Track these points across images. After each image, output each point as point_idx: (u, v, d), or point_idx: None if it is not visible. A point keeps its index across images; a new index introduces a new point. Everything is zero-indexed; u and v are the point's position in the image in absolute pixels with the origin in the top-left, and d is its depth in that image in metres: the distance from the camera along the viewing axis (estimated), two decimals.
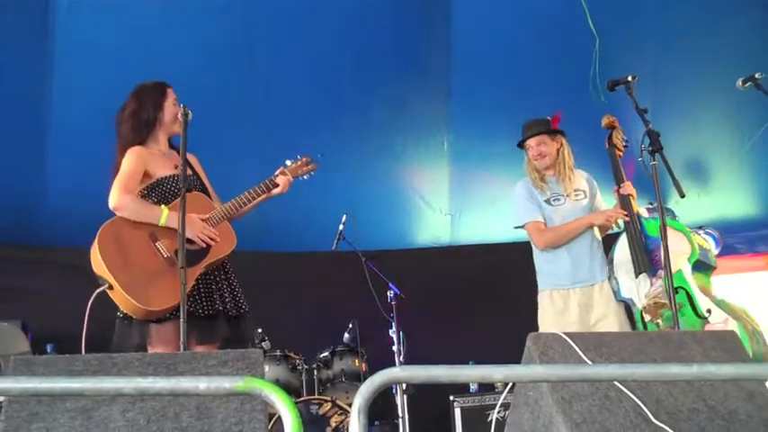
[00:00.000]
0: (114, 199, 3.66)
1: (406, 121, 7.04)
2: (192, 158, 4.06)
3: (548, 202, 4.72)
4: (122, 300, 3.50)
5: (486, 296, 7.16)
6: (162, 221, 3.65)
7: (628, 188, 4.53)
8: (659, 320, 4.16)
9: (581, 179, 4.84)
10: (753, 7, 6.61)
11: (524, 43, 6.65)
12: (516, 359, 2.85)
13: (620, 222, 4.55)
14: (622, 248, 4.51)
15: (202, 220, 3.74)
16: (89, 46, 6.02)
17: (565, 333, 2.84)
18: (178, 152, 3.87)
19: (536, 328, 2.87)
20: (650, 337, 3.09)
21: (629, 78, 4.21)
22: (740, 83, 4.32)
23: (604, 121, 4.71)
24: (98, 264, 3.50)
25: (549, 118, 4.79)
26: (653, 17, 6.56)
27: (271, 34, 6.38)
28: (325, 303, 6.73)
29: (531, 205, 4.72)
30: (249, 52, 6.45)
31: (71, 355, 2.45)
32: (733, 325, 4.05)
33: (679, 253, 4.33)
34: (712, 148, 7.23)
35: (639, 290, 4.27)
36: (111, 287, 3.47)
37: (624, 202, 4.49)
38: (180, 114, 3.71)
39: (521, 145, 4.85)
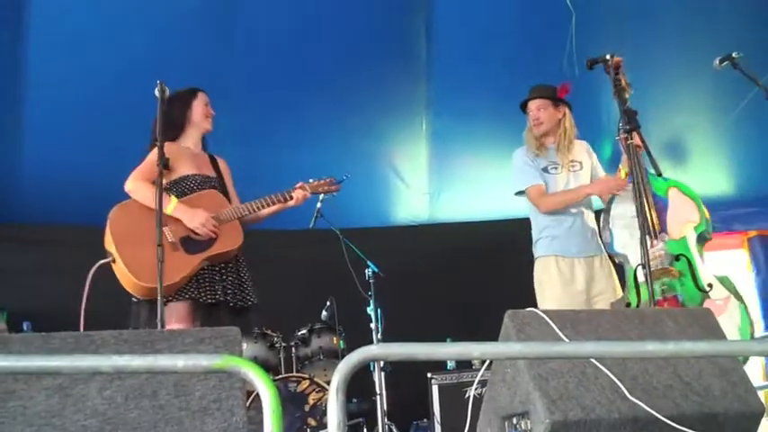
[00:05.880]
0: (129, 182, 3.96)
1: (386, 101, 7.02)
2: (221, 163, 4.42)
3: (545, 170, 4.71)
4: (122, 274, 3.76)
5: (463, 274, 7.18)
6: (169, 211, 3.88)
7: (636, 139, 4.10)
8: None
9: (581, 150, 4.83)
10: None
11: (505, 23, 6.62)
12: (494, 336, 2.86)
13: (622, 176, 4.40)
14: (622, 202, 4.32)
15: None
16: (64, 18, 5.94)
17: (541, 310, 2.86)
18: (210, 154, 4.38)
19: (514, 305, 2.86)
20: (626, 315, 3.11)
21: (608, 57, 4.19)
22: (717, 62, 4.33)
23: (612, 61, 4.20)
24: (107, 238, 3.80)
25: (557, 86, 4.75)
26: None
27: (251, 14, 6.32)
28: (302, 281, 6.72)
29: (532, 170, 4.69)
30: (228, 32, 6.39)
31: (47, 333, 2.43)
32: (735, 305, 3.93)
33: (686, 220, 4.21)
34: (690, 127, 7.25)
35: (638, 249, 3.74)
36: (114, 260, 3.75)
37: (630, 152, 4.05)
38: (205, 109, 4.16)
39: (523, 108, 4.82)
